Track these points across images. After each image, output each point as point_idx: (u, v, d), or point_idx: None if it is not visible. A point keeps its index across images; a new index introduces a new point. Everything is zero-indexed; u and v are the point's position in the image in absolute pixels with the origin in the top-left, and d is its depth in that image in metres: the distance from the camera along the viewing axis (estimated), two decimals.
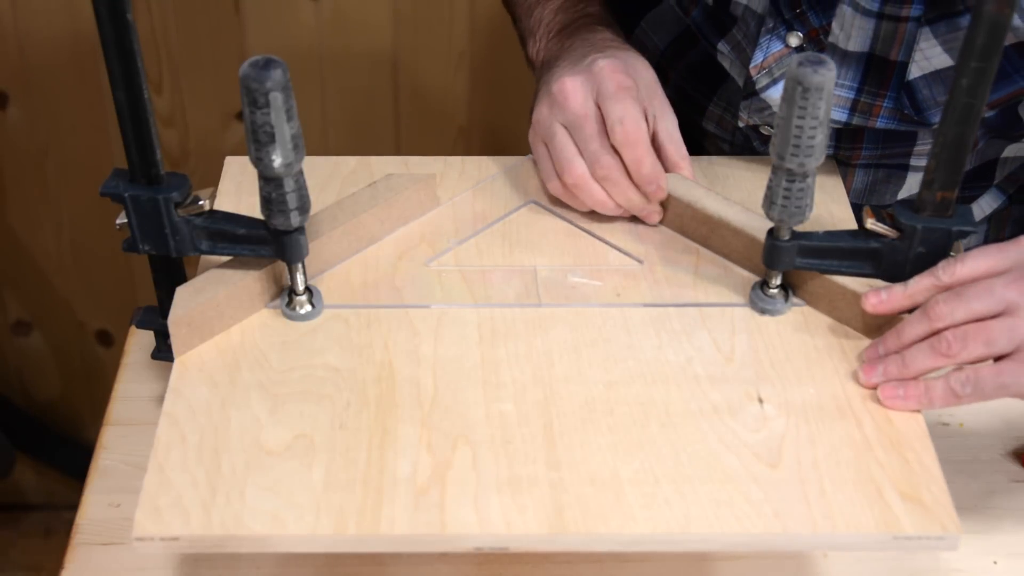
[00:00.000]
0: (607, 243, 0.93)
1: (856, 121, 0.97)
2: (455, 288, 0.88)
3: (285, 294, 0.85)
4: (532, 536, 0.71)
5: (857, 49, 0.93)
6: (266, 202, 0.78)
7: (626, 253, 0.92)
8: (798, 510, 0.72)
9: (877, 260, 0.83)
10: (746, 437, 0.76)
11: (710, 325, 0.85)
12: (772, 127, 0.96)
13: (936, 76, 0.92)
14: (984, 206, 1.08)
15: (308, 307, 0.84)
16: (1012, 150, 1.04)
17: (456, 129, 1.72)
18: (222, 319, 0.83)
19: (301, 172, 0.77)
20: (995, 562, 0.87)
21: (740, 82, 1.01)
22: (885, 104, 0.95)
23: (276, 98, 0.72)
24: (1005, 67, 0.89)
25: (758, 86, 0.98)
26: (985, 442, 0.95)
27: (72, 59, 1.60)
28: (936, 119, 0.94)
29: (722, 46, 1.02)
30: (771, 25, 0.95)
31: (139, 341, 1.01)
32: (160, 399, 0.79)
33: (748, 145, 1.09)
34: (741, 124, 1.03)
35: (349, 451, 0.74)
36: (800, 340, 0.84)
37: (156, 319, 0.86)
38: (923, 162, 0.92)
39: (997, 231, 1.10)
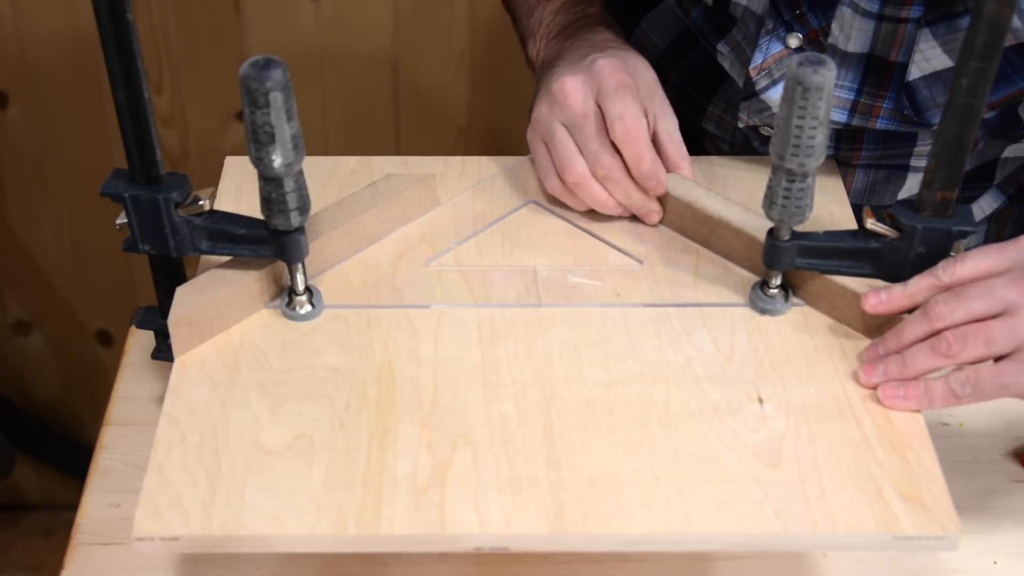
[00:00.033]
0: (607, 243, 0.93)
1: (856, 122, 0.97)
2: (455, 288, 0.88)
3: (285, 294, 0.85)
4: (532, 536, 0.71)
5: (857, 50, 0.93)
6: (266, 202, 0.78)
7: (626, 253, 0.92)
8: (798, 510, 0.72)
9: (877, 260, 0.83)
10: (746, 437, 0.76)
11: (710, 325, 0.85)
12: (772, 128, 0.96)
13: (936, 77, 0.92)
14: (984, 206, 1.08)
15: (308, 307, 0.84)
16: (1012, 150, 1.04)
17: (456, 129, 1.72)
18: (222, 319, 0.83)
19: (301, 172, 0.77)
20: (995, 562, 0.87)
21: (740, 83, 1.01)
22: (885, 105, 0.95)
23: (276, 98, 0.72)
24: (1005, 68, 0.89)
25: (758, 87, 0.98)
26: (985, 442, 0.95)
27: (72, 59, 1.60)
28: (936, 120, 0.94)
29: (722, 47, 1.02)
30: (771, 26, 0.95)
31: (139, 341, 1.01)
32: (160, 399, 0.79)
33: (748, 145, 1.09)
34: (741, 125, 1.03)
35: (349, 451, 0.74)
36: (800, 340, 0.84)
37: (156, 319, 0.86)
38: (923, 163, 0.92)
39: (997, 231, 1.10)
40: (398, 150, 1.73)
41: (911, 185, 1.03)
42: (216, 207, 0.82)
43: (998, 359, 0.76)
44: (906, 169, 1.03)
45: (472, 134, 1.72)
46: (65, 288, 1.83)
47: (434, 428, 0.76)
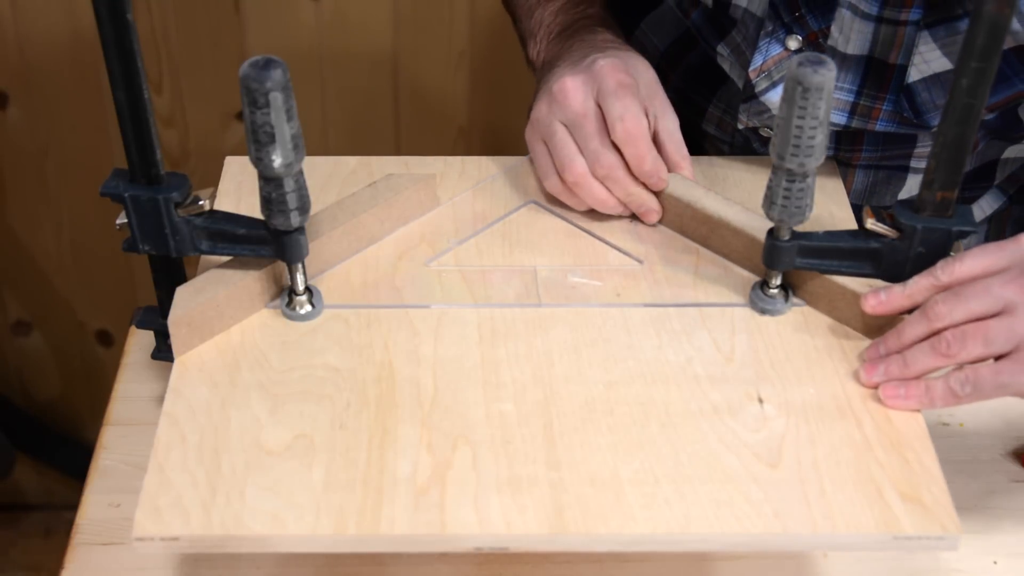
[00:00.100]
0: (607, 243, 0.93)
1: (856, 124, 0.97)
2: (455, 288, 0.88)
3: (285, 294, 0.85)
4: (532, 536, 0.71)
5: (856, 52, 0.93)
6: (266, 202, 0.78)
7: (626, 253, 0.92)
8: (798, 510, 0.72)
9: (877, 260, 0.83)
10: (746, 437, 0.76)
11: (710, 325, 0.85)
12: (772, 129, 0.96)
13: (935, 79, 0.92)
14: (984, 207, 1.08)
15: (308, 307, 0.84)
16: (1012, 151, 1.04)
17: (456, 129, 1.72)
18: (222, 319, 0.83)
19: (301, 172, 0.77)
20: (995, 562, 0.87)
21: (739, 85, 1.01)
22: (884, 107, 0.95)
23: (276, 98, 0.72)
24: (1005, 70, 0.89)
25: (757, 89, 0.98)
26: (985, 442, 0.95)
27: (72, 59, 1.60)
28: (936, 122, 0.94)
29: (721, 48, 1.02)
30: (770, 28, 0.95)
31: (139, 341, 1.01)
32: (160, 399, 0.79)
33: (748, 147, 1.09)
34: (740, 126, 1.03)
35: (349, 451, 0.74)
36: (800, 340, 0.84)
37: (156, 319, 0.86)
38: (923, 164, 0.92)
39: (997, 232, 1.10)
40: (398, 150, 1.73)
41: (911, 186, 1.03)
42: (216, 207, 0.82)
43: (998, 358, 0.76)
44: (906, 170, 1.03)
45: (472, 134, 1.72)
46: (65, 288, 1.83)
47: (434, 428, 0.76)
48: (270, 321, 0.84)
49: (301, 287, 0.84)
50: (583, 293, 0.88)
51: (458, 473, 0.73)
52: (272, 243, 0.81)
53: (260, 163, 0.75)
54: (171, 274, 0.84)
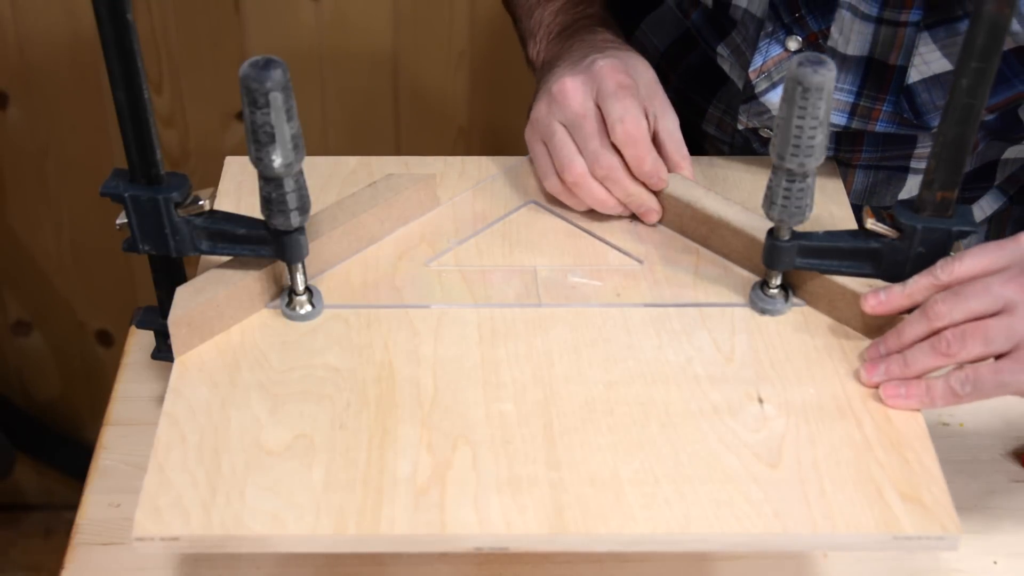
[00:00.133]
0: (607, 243, 0.93)
1: (856, 125, 0.97)
2: (455, 288, 0.88)
3: (285, 294, 0.85)
4: (532, 536, 0.71)
5: (856, 53, 0.93)
6: (266, 202, 0.78)
7: (626, 253, 0.92)
8: (798, 510, 0.72)
9: (877, 260, 0.83)
10: (746, 437, 0.76)
11: (710, 325, 0.85)
12: (772, 130, 0.96)
13: (935, 80, 0.92)
14: (985, 207, 1.08)
15: (308, 307, 0.84)
16: (1013, 152, 1.04)
17: (456, 129, 1.72)
18: (222, 319, 0.83)
19: (301, 172, 0.77)
20: (995, 562, 0.87)
21: (739, 85, 1.01)
22: (884, 108, 0.95)
23: (276, 98, 0.72)
24: (1005, 72, 0.89)
25: (757, 90, 0.98)
26: (985, 442, 0.95)
27: (72, 59, 1.60)
28: (935, 123, 0.94)
29: (721, 49, 1.02)
30: (770, 29, 0.95)
31: (139, 341, 1.01)
32: (160, 399, 0.79)
33: (748, 147, 1.09)
34: (740, 127, 1.03)
35: (349, 451, 0.74)
36: (800, 340, 0.84)
37: (156, 319, 0.86)
38: (923, 164, 0.92)
39: (997, 232, 1.10)
40: (398, 150, 1.73)
41: (911, 186, 1.03)
42: (216, 207, 0.82)
43: (998, 357, 0.76)
44: (906, 171, 1.03)
45: (472, 134, 1.72)
46: (65, 288, 1.83)
47: (434, 428, 0.76)
48: (270, 321, 0.84)
49: (301, 287, 0.84)
50: (583, 293, 0.88)
51: (458, 473, 0.73)
52: (272, 243, 0.81)
53: (260, 163, 0.75)
54: (171, 274, 0.84)
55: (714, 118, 1.12)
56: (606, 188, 0.92)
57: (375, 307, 0.86)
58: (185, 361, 0.81)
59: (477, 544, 0.71)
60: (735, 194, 0.97)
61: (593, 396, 0.79)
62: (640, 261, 0.91)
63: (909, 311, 0.81)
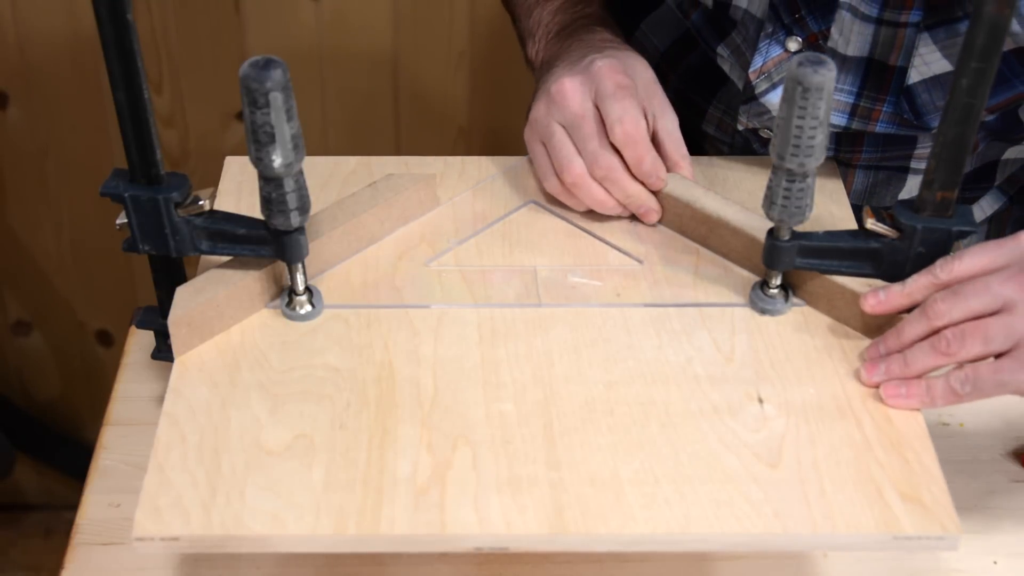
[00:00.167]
0: (607, 243, 0.93)
1: (856, 126, 0.97)
2: (455, 288, 0.88)
3: (285, 294, 0.85)
4: (532, 536, 0.71)
5: (856, 54, 0.93)
6: (266, 202, 0.78)
7: (626, 253, 0.92)
8: (798, 510, 0.72)
9: (877, 260, 0.83)
10: (746, 437, 0.76)
11: (710, 325, 0.85)
12: (772, 130, 0.96)
13: (935, 81, 0.92)
14: (985, 207, 1.08)
15: (308, 307, 0.84)
16: (1013, 152, 1.04)
17: (456, 129, 1.72)
18: (222, 319, 0.83)
19: (301, 172, 0.77)
20: (995, 562, 0.87)
21: (740, 86, 1.01)
22: (884, 109, 0.95)
23: (276, 98, 0.72)
24: (1005, 72, 0.89)
25: (757, 90, 0.98)
26: (985, 442, 0.95)
27: (72, 59, 1.60)
28: (936, 124, 0.94)
29: (721, 50, 1.02)
30: (770, 30, 0.95)
31: (139, 341, 1.01)
32: (160, 399, 0.79)
33: (748, 148, 1.09)
34: (740, 127, 1.03)
35: (349, 451, 0.74)
36: (800, 340, 0.84)
37: (156, 319, 0.86)
38: (923, 165, 0.92)
39: (998, 232, 1.10)
40: (398, 150, 1.73)
41: (911, 187, 1.03)
42: (216, 207, 0.82)
43: (997, 356, 0.76)
44: (906, 171, 1.03)
45: (472, 134, 1.72)
46: (65, 288, 1.83)
47: (434, 428, 0.76)
48: (270, 321, 0.84)
49: (301, 287, 0.84)
50: (583, 293, 0.88)
51: (458, 473, 0.73)
52: (272, 243, 0.81)
53: (260, 163, 0.75)
54: (171, 274, 0.84)
55: (714, 118, 1.12)
56: (605, 189, 0.92)
57: (375, 307, 0.86)
58: (185, 361, 0.81)
59: (477, 544, 0.71)
60: (735, 194, 0.97)
61: (593, 396, 0.79)
62: (640, 261, 0.91)
63: (909, 311, 0.81)
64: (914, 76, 0.92)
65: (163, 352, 0.85)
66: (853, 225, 0.94)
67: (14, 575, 1.93)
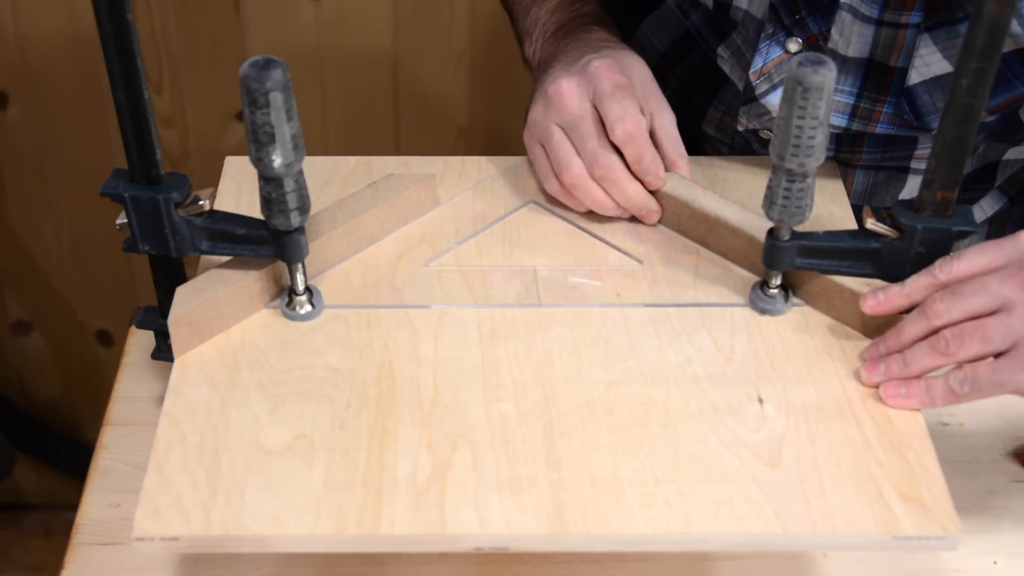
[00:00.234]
0: (607, 243, 0.93)
1: (856, 127, 0.97)
2: (455, 288, 0.88)
3: (285, 294, 0.85)
4: (532, 536, 0.71)
5: (856, 55, 0.93)
6: (266, 202, 0.78)
7: (626, 253, 0.92)
8: (798, 510, 0.72)
9: (877, 260, 0.83)
10: (746, 437, 0.76)
11: (710, 325, 0.85)
12: (772, 131, 0.96)
13: (936, 82, 0.92)
14: (985, 208, 1.08)
15: (308, 307, 0.84)
16: (1013, 153, 1.04)
17: (456, 129, 1.72)
18: (222, 319, 0.83)
19: (301, 172, 0.77)
20: (995, 562, 0.87)
21: (740, 87, 1.01)
22: (885, 110, 0.95)
23: (276, 98, 0.72)
24: (1005, 73, 0.89)
25: (757, 91, 0.98)
26: (985, 442, 0.95)
27: (72, 59, 1.60)
28: (936, 124, 0.94)
29: (722, 50, 1.02)
30: (771, 31, 0.95)
31: (139, 341, 1.01)
32: (160, 399, 0.79)
33: (748, 148, 1.09)
34: (740, 128, 1.03)
35: (349, 451, 0.74)
36: (800, 340, 0.84)
37: (156, 319, 0.86)
38: (923, 165, 0.92)
39: (998, 233, 1.10)
40: (398, 150, 1.73)
41: (911, 187, 1.03)
42: (216, 207, 0.82)
43: (997, 356, 0.76)
44: (906, 171, 1.03)
45: (472, 134, 1.72)
46: (65, 288, 1.83)
47: (434, 428, 0.76)
48: (270, 321, 0.84)
49: (301, 287, 0.84)
50: (583, 293, 0.88)
51: (458, 473, 0.73)
52: (272, 243, 0.81)
53: (260, 163, 0.75)
54: (171, 274, 0.84)
55: (714, 119, 1.12)
56: (604, 189, 0.92)
57: (375, 307, 0.86)
58: (185, 361, 0.81)
59: (477, 544, 0.71)
60: (735, 194, 0.97)
61: (593, 396, 0.79)
62: (640, 261, 0.91)
63: (908, 311, 0.81)
64: (914, 77, 0.92)
65: (163, 352, 0.85)
66: (853, 225, 0.94)
67: (14, 575, 1.93)
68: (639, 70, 0.94)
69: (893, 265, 0.82)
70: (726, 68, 1.03)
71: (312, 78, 1.65)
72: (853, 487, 0.73)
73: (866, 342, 0.83)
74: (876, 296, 0.81)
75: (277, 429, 0.76)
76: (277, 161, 0.75)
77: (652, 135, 0.92)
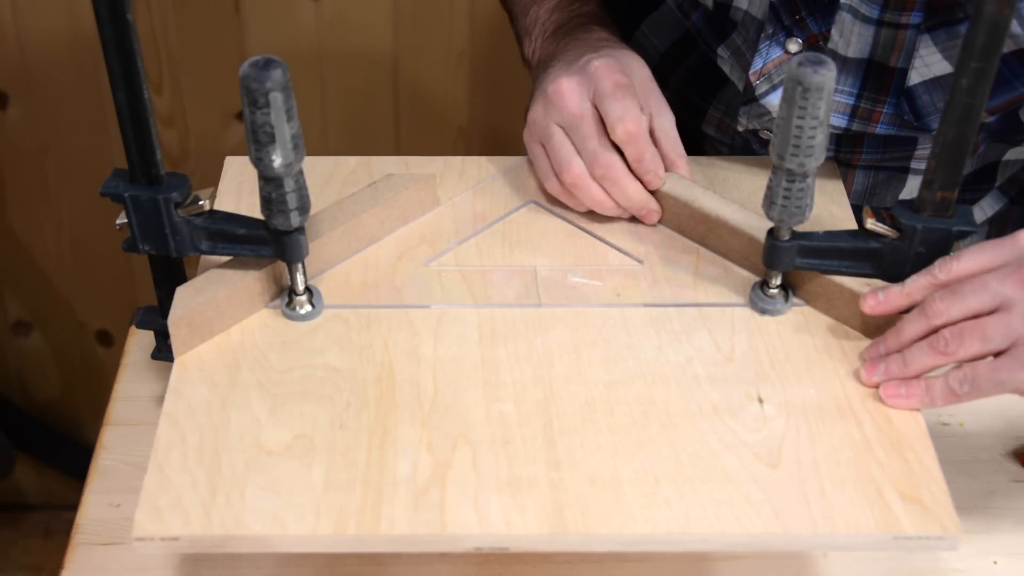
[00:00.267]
0: (607, 243, 0.93)
1: (856, 127, 0.97)
2: (455, 288, 0.88)
3: (285, 294, 0.85)
4: (532, 536, 0.71)
5: (856, 56, 0.93)
6: (266, 202, 0.78)
7: (626, 253, 0.92)
8: (798, 510, 0.72)
9: (877, 260, 0.83)
10: (746, 437, 0.76)
11: (710, 325, 0.85)
12: (772, 132, 0.96)
13: (936, 83, 0.92)
14: (986, 208, 1.08)
15: (308, 307, 0.84)
16: (1013, 153, 1.04)
17: (456, 129, 1.72)
18: (222, 319, 0.83)
19: (301, 172, 0.77)
20: (995, 562, 0.87)
21: (740, 87, 1.01)
22: (885, 110, 0.95)
23: (276, 98, 0.72)
24: (1005, 74, 0.89)
25: (757, 92, 0.98)
26: (985, 442, 0.95)
27: (72, 59, 1.60)
28: (936, 125, 0.94)
29: (722, 51, 1.02)
30: (771, 31, 0.95)
31: (139, 341, 1.01)
32: (160, 399, 0.79)
33: (748, 149, 1.09)
34: (740, 129, 1.03)
35: (349, 451, 0.74)
36: (800, 340, 0.84)
37: (156, 319, 0.86)
38: (923, 165, 0.92)
39: (998, 233, 1.10)
40: (398, 150, 1.73)
41: (911, 187, 1.03)
42: (216, 207, 0.82)
43: (996, 355, 0.76)
44: (906, 171, 1.03)
45: (472, 134, 1.72)
46: (65, 288, 1.83)
47: (434, 428, 0.76)
48: (270, 321, 0.84)
49: (301, 287, 0.84)
50: (583, 293, 0.88)
51: (458, 473, 0.73)
52: (272, 243, 0.81)
53: (260, 163, 0.75)
54: (171, 274, 0.84)
55: (714, 119, 1.12)
56: (604, 189, 0.92)
57: (375, 307, 0.86)
58: (185, 361, 0.81)
59: (477, 544, 0.71)
60: (735, 194, 0.97)
61: (593, 396, 0.79)
62: (640, 261, 0.91)
63: (908, 311, 0.81)
64: (914, 78, 0.92)
65: (163, 352, 0.85)
66: (853, 225, 0.94)
67: (14, 575, 1.93)
68: (639, 70, 0.94)
69: (893, 265, 0.82)
70: (726, 68, 1.03)
71: (312, 78, 1.65)
72: (853, 487, 0.73)
73: (866, 342, 0.83)
74: (876, 296, 0.81)
75: (277, 429, 0.76)
76: (277, 161, 0.75)
77: (651, 135, 0.92)
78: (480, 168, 1.00)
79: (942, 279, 0.79)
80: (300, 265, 0.83)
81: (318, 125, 1.69)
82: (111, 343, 1.89)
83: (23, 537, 1.97)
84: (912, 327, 0.79)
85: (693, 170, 0.95)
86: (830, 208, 0.96)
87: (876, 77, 0.94)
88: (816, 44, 0.94)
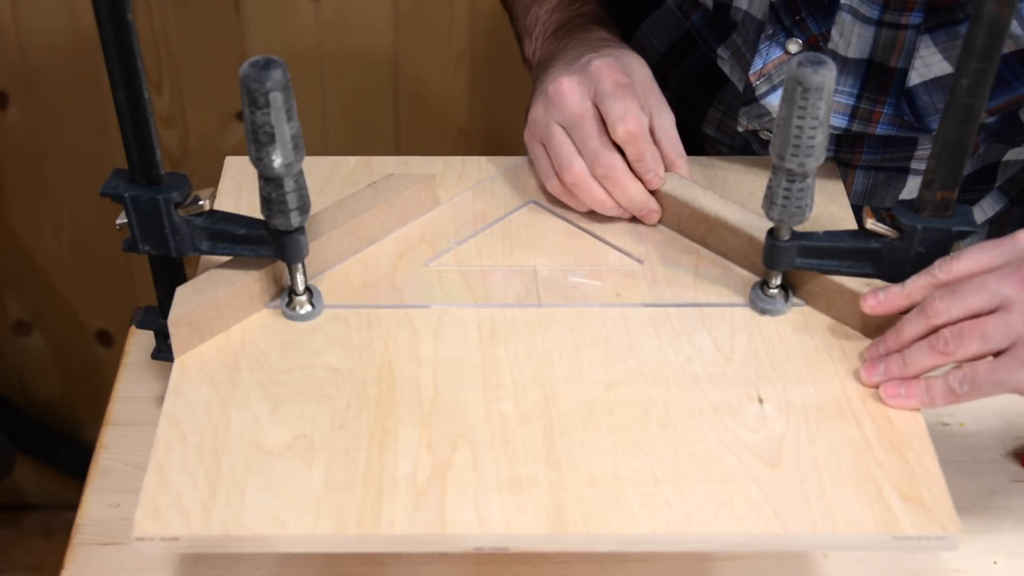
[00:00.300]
0: (607, 243, 0.93)
1: (856, 127, 0.97)
2: (455, 288, 0.88)
3: (285, 294, 0.85)
4: (532, 536, 0.71)
5: (857, 56, 0.93)
6: (266, 202, 0.78)
7: (626, 253, 0.92)
8: (798, 510, 0.72)
9: (877, 260, 0.83)
10: (746, 437, 0.76)
11: (710, 325, 0.85)
12: (772, 132, 0.96)
13: (936, 83, 0.92)
14: (986, 208, 1.08)
15: (308, 307, 0.84)
16: (1013, 154, 1.04)
17: (456, 130, 1.72)
18: (222, 319, 0.83)
19: (301, 172, 0.77)
20: (995, 562, 0.87)
21: (740, 87, 1.01)
22: (885, 111, 0.95)
23: (276, 98, 0.72)
24: (1005, 74, 0.89)
25: (757, 92, 0.98)
26: (985, 442, 0.95)
27: (72, 59, 1.60)
28: (936, 126, 0.93)
29: (722, 51, 1.02)
30: (771, 31, 0.95)
31: (139, 341, 1.01)
32: (160, 399, 0.79)
33: (748, 149, 1.09)
34: (740, 129, 1.03)
35: (349, 451, 0.74)
36: (800, 340, 0.84)
37: (156, 319, 0.86)
38: (924, 166, 0.92)
39: (999, 233, 1.10)
40: (398, 150, 1.73)
41: (911, 187, 1.03)
42: (216, 207, 0.82)
43: (996, 355, 0.76)
44: (906, 172, 1.03)
45: (472, 134, 1.72)
46: (65, 288, 1.83)
47: (434, 428, 0.76)
48: (270, 321, 0.84)
49: (301, 287, 0.84)
50: (583, 293, 0.88)
51: (458, 473, 0.73)
52: (272, 243, 0.81)
53: (260, 163, 0.75)
54: (171, 274, 0.84)
55: (714, 120, 1.12)
56: (605, 188, 0.92)
57: (375, 307, 0.86)
58: (185, 361, 0.81)
59: (477, 544, 0.71)
60: (735, 194, 0.97)
61: (593, 396, 0.79)
62: (640, 261, 0.91)
63: (908, 311, 0.81)
64: (914, 78, 0.92)
65: (163, 352, 0.85)
66: (853, 225, 0.94)
67: (14, 575, 1.93)
68: (639, 69, 0.94)
69: (893, 265, 0.82)
70: (726, 69, 1.03)
71: (312, 78, 1.65)
72: (853, 487, 0.73)
73: (866, 342, 0.83)
74: (876, 296, 0.81)
75: (277, 429, 0.76)
76: (277, 161, 0.75)
77: (651, 135, 0.92)
78: (480, 168, 1.00)
79: (942, 279, 0.79)
80: (300, 265, 0.83)
81: (318, 125, 1.69)
82: (111, 343, 1.89)
83: (23, 537, 1.97)
84: (912, 327, 0.79)
85: (693, 170, 0.95)
86: (830, 208, 0.96)
87: (876, 77, 0.94)
88: (816, 44, 0.94)
